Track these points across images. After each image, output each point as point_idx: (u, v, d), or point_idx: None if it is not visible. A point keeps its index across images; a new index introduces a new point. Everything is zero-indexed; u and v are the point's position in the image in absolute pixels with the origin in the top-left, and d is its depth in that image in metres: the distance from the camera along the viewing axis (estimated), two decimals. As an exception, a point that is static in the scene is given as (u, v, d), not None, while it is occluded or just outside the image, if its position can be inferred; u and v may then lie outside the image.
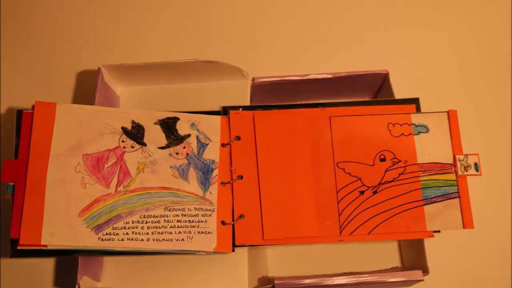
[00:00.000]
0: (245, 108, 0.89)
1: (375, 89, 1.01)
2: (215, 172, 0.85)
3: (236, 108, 0.89)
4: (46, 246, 0.77)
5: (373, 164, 0.86)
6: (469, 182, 0.86)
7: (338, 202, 0.85)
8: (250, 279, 0.89)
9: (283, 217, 0.84)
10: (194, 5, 1.12)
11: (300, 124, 0.88)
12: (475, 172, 0.85)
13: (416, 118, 0.88)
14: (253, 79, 0.96)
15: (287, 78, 0.95)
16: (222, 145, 0.87)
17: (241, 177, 0.86)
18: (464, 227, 0.84)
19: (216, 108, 0.91)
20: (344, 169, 0.86)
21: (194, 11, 1.12)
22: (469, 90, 1.06)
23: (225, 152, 0.87)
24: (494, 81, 1.06)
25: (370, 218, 0.84)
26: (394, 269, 0.92)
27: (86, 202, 0.80)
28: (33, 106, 0.81)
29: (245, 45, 1.09)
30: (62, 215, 0.78)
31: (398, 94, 0.94)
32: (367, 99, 1.04)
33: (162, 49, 1.09)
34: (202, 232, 0.82)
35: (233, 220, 0.84)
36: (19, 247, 0.77)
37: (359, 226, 0.84)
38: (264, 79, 0.95)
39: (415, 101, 0.90)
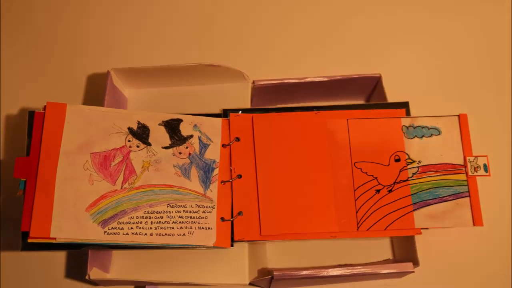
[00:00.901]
0: (244, 111, 0.91)
1: (368, 91, 1.03)
2: (216, 171, 0.88)
3: (236, 111, 0.91)
4: (55, 239, 0.79)
5: (389, 164, 0.88)
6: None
7: (355, 200, 0.87)
8: (251, 270, 0.91)
9: (280, 214, 0.86)
10: (198, 14, 1.15)
11: (296, 126, 0.90)
12: (484, 173, 0.87)
13: (429, 121, 0.90)
14: (253, 82, 0.98)
15: (285, 81, 0.97)
16: (223, 145, 0.89)
17: (240, 176, 0.88)
18: (474, 225, 0.86)
19: (218, 109, 0.93)
20: (361, 169, 0.88)
21: (198, 19, 1.14)
22: (463, 92, 1.08)
23: (226, 153, 0.89)
24: (490, 83, 1.08)
25: (386, 215, 0.86)
26: (386, 261, 0.95)
27: (93, 198, 0.82)
28: (45, 107, 0.83)
29: (246, 50, 1.11)
30: (70, 210, 0.80)
31: (390, 96, 0.96)
32: (361, 101, 1.06)
33: (167, 53, 1.11)
34: (202, 228, 0.84)
35: (232, 217, 0.86)
36: (29, 240, 0.79)
37: (375, 223, 0.86)
38: (264, 82, 0.97)
39: (405, 105, 0.92)
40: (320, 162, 0.89)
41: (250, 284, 0.91)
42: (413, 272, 0.86)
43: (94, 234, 0.81)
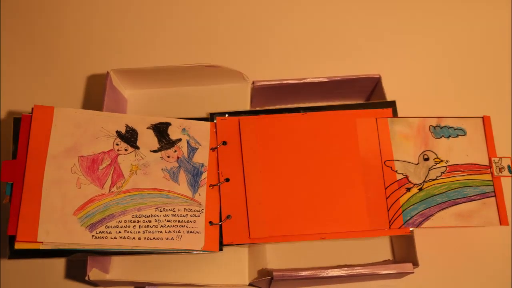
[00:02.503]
0: (231, 114, 0.91)
1: (368, 92, 1.02)
2: (204, 175, 0.87)
3: (222, 114, 0.91)
4: (42, 243, 0.79)
5: (418, 163, 0.88)
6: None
7: (386, 198, 0.87)
8: (250, 271, 0.91)
9: (269, 216, 0.86)
10: (197, 14, 1.15)
11: (283, 128, 0.90)
12: (508, 174, 0.87)
13: (454, 122, 0.90)
14: (253, 83, 0.97)
15: (285, 81, 0.96)
16: (212, 149, 0.89)
17: (227, 179, 0.88)
18: (500, 224, 0.86)
19: (219, 110, 0.93)
20: (391, 167, 0.88)
21: (198, 20, 1.14)
22: (463, 92, 1.07)
23: (214, 156, 0.89)
24: (489, 84, 1.08)
25: (417, 213, 0.86)
26: (386, 262, 0.94)
27: (81, 202, 0.82)
28: (32, 110, 0.84)
29: (246, 51, 1.11)
30: (57, 213, 0.81)
31: (390, 97, 0.94)
32: (361, 101, 1.05)
33: (167, 53, 1.11)
34: (190, 232, 0.84)
35: (220, 221, 0.86)
36: (16, 243, 0.79)
37: (407, 221, 0.86)
38: (264, 83, 0.96)
39: (391, 104, 0.92)
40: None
41: (250, 284, 0.91)
42: (413, 272, 0.86)
43: (82, 238, 0.81)
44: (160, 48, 1.12)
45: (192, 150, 0.88)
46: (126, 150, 0.86)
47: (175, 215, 0.85)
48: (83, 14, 1.15)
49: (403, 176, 0.88)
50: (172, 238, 0.83)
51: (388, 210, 0.86)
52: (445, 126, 0.90)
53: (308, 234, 0.86)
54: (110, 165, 0.85)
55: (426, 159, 0.88)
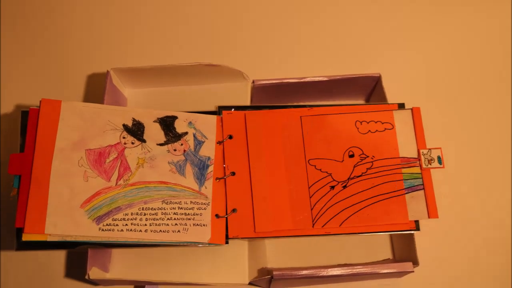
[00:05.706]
0: (237, 108, 0.92)
1: (368, 91, 1.02)
2: (210, 168, 0.88)
3: (228, 108, 0.91)
4: (49, 235, 0.80)
5: (343, 160, 0.88)
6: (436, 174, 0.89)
7: (310, 197, 0.87)
8: (250, 270, 0.92)
9: (274, 211, 0.86)
10: (197, 14, 1.15)
11: (289, 123, 0.90)
12: (438, 165, 0.87)
13: (381, 116, 0.90)
14: (253, 82, 0.98)
15: (285, 80, 0.97)
16: (218, 142, 0.89)
17: (233, 173, 0.88)
18: (429, 217, 0.86)
19: (214, 108, 0.93)
20: (315, 166, 0.88)
21: (198, 19, 1.15)
22: (456, 90, 1.08)
23: (220, 150, 0.89)
24: (486, 81, 1.09)
25: (340, 211, 0.86)
26: (386, 261, 0.95)
27: (88, 194, 0.82)
28: (40, 103, 0.84)
29: (246, 50, 1.12)
30: (65, 206, 0.81)
31: (390, 96, 0.95)
32: (361, 101, 1.06)
33: (167, 53, 1.11)
34: (197, 225, 0.84)
35: (226, 214, 0.86)
36: (24, 235, 0.79)
37: (330, 219, 0.86)
38: (264, 82, 0.97)
39: (400, 106, 0.92)
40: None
41: (250, 283, 0.91)
42: (413, 271, 0.86)
43: (89, 230, 0.81)
44: (160, 47, 1.12)
45: (198, 143, 0.89)
46: (132, 143, 0.86)
47: (181, 208, 0.85)
48: (83, 13, 1.15)
49: (327, 175, 0.88)
50: (179, 231, 0.84)
51: (311, 209, 0.86)
52: (371, 121, 0.90)
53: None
54: (117, 158, 0.85)
55: (351, 156, 0.88)
